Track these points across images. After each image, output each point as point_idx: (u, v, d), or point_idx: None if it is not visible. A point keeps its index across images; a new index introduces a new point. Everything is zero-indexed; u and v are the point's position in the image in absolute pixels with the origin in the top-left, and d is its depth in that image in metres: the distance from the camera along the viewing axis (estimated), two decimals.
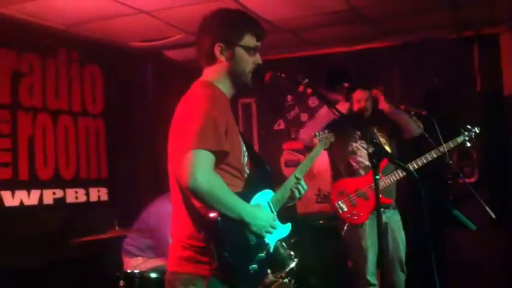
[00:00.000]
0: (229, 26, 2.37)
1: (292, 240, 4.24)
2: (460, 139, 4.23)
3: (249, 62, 2.38)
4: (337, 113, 2.45)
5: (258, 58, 2.41)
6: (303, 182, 2.61)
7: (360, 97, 4.35)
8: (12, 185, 4.35)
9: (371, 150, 2.43)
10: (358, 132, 4.25)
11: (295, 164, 6.09)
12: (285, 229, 2.47)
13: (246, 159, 2.41)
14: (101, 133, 5.19)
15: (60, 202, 4.72)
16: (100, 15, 4.38)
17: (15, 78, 4.43)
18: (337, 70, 5.70)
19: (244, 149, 2.42)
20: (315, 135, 3.17)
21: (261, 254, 2.29)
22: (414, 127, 4.30)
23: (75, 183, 4.88)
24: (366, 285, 4.17)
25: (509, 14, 4.87)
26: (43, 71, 4.66)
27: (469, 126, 4.27)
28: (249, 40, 2.38)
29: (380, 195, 4.05)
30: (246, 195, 2.29)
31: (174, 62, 5.87)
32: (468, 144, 4.26)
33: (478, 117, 5.04)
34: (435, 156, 4.13)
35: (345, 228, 4.26)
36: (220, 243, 2.14)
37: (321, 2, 4.39)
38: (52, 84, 4.74)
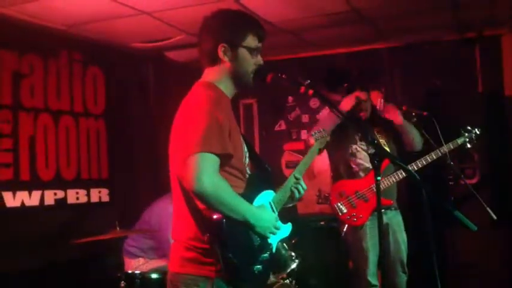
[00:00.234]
0: (232, 26, 2.37)
1: (293, 241, 4.25)
2: (460, 140, 4.22)
3: (251, 62, 2.39)
4: (338, 114, 2.44)
5: (259, 59, 2.41)
6: (302, 182, 2.62)
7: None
8: (14, 185, 4.35)
9: (371, 151, 2.43)
10: (359, 134, 4.25)
11: (296, 165, 6.09)
12: (286, 229, 2.48)
13: (247, 160, 2.42)
14: (102, 134, 5.19)
15: (61, 203, 4.72)
16: (101, 16, 4.38)
17: (17, 79, 4.43)
18: (338, 71, 5.71)
19: (246, 149, 2.42)
20: (311, 135, 3.17)
21: (264, 255, 2.31)
22: (418, 143, 4.28)
23: (76, 183, 4.88)
24: (367, 286, 4.17)
25: (510, 15, 4.87)
26: (44, 72, 4.67)
27: (469, 127, 4.26)
28: (251, 41, 2.38)
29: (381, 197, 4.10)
30: (249, 196, 2.29)
31: (175, 63, 5.88)
32: (469, 146, 4.25)
33: (479, 118, 5.04)
34: (435, 157, 4.12)
35: (344, 229, 4.26)
36: (225, 245, 2.15)
37: (322, 3, 4.39)
38: (53, 85, 4.74)
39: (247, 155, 2.43)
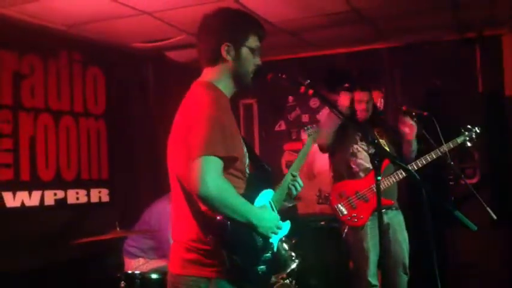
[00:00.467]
0: (235, 26, 2.36)
1: (293, 241, 4.25)
2: (460, 139, 4.22)
3: (252, 62, 2.38)
4: (338, 114, 2.44)
5: (258, 59, 2.41)
6: (299, 179, 2.62)
7: (360, 98, 4.35)
8: (14, 185, 4.36)
9: (372, 151, 2.43)
10: (359, 134, 4.25)
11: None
12: (285, 227, 2.48)
13: (247, 160, 2.41)
14: (102, 134, 5.19)
15: (61, 203, 4.72)
16: (101, 16, 4.39)
17: (17, 79, 4.43)
18: (338, 71, 5.71)
19: (245, 150, 2.42)
20: (304, 130, 3.20)
21: (267, 255, 2.30)
22: (412, 158, 4.25)
23: (77, 184, 4.88)
24: (367, 286, 4.17)
25: (510, 15, 4.86)
26: (44, 72, 4.67)
27: (469, 126, 4.26)
28: (253, 41, 2.38)
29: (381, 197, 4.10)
30: (249, 196, 2.29)
31: (175, 63, 5.87)
32: (469, 144, 4.24)
33: (479, 118, 5.04)
34: (435, 157, 4.12)
35: (345, 230, 4.26)
36: (230, 246, 2.15)
37: (322, 3, 4.39)
38: (54, 85, 4.74)
39: (247, 155, 2.43)
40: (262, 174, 2.49)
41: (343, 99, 4.33)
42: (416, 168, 4.11)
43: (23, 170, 4.44)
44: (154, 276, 3.86)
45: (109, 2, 4.07)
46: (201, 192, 2.07)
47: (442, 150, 4.12)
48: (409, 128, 4.22)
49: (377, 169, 2.43)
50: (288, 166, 6.20)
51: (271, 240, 2.34)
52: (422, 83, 5.57)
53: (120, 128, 5.35)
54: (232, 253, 2.14)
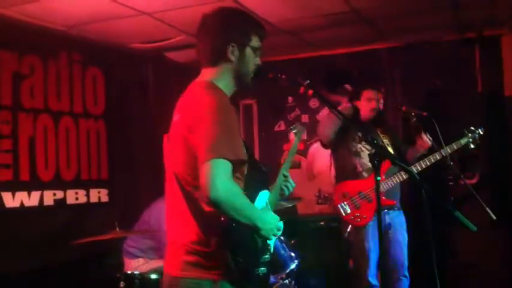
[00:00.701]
0: (240, 26, 2.34)
1: (293, 242, 4.24)
2: (463, 141, 4.20)
3: (253, 62, 2.37)
4: (337, 114, 2.44)
5: (258, 59, 2.40)
6: (290, 179, 2.64)
7: (370, 96, 4.34)
8: (13, 186, 4.35)
9: (372, 151, 2.42)
10: (359, 134, 4.25)
11: (296, 165, 6.10)
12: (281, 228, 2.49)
13: (247, 161, 2.41)
14: (101, 134, 5.18)
15: (60, 203, 4.72)
16: (101, 16, 4.38)
17: (17, 79, 4.43)
18: (337, 71, 5.71)
19: (245, 151, 2.41)
20: (290, 129, 3.21)
21: (266, 256, 2.30)
22: (414, 159, 4.28)
23: (76, 184, 4.88)
24: (367, 286, 4.17)
25: (510, 15, 4.86)
26: (44, 73, 4.66)
27: (472, 128, 4.24)
28: (255, 41, 2.37)
29: (383, 197, 4.11)
30: (249, 197, 2.27)
31: (175, 63, 5.87)
32: (472, 146, 4.22)
33: (479, 118, 5.04)
34: (438, 158, 4.10)
35: (348, 229, 4.25)
36: (234, 248, 2.14)
37: (321, 3, 4.38)
38: (53, 86, 4.74)
39: (247, 156, 2.42)
40: (258, 174, 2.48)
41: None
42: (420, 169, 4.09)
43: (22, 171, 4.43)
44: (153, 276, 3.85)
45: (109, 3, 4.06)
46: (212, 197, 2.03)
47: (445, 152, 4.09)
48: (425, 144, 4.24)
49: (377, 169, 2.43)
50: None
51: (268, 242, 2.34)
52: (422, 83, 5.56)
53: (120, 128, 5.35)
54: (236, 255, 2.14)
